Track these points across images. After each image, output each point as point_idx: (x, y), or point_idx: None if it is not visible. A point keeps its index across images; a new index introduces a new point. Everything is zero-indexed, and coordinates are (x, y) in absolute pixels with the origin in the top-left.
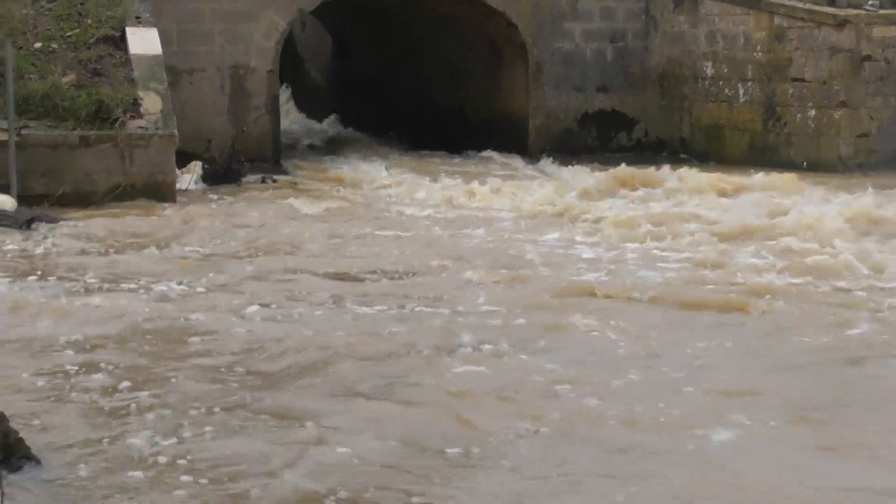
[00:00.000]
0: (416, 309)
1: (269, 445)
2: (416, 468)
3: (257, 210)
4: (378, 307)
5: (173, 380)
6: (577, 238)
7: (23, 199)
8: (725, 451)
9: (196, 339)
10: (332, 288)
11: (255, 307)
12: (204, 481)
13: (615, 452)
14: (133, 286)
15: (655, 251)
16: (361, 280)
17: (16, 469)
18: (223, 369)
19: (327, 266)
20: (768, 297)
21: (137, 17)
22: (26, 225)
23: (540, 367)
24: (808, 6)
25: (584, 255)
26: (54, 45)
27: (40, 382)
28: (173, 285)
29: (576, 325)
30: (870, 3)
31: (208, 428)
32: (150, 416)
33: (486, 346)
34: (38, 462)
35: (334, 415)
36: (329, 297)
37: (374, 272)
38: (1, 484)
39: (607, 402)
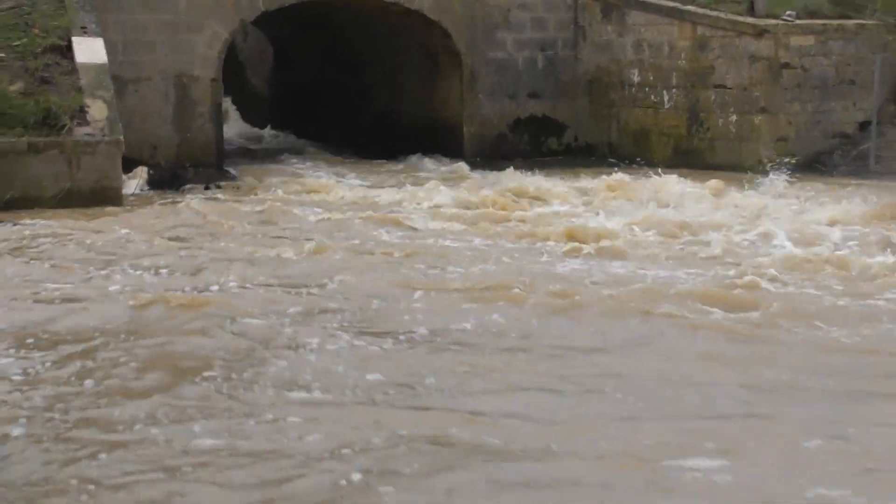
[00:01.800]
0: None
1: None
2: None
3: (194, 211)
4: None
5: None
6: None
7: None
8: None
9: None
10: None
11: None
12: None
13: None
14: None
15: None
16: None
17: None
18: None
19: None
20: None
21: (83, 28)
22: None
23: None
24: (729, 17)
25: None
26: (1, 55)
27: None
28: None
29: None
30: (787, 13)
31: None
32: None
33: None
34: None
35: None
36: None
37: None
38: None
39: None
